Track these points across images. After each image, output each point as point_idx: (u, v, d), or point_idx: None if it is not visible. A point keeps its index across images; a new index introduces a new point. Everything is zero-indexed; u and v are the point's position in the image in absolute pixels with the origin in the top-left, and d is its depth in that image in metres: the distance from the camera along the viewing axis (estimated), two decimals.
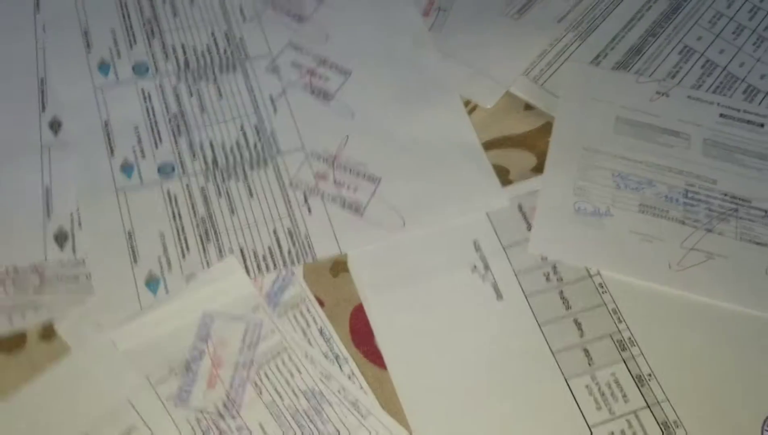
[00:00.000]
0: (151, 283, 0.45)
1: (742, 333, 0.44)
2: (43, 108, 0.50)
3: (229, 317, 0.43)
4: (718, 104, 0.53)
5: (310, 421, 0.41)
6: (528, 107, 0.53)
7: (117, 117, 0.50)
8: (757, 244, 0.47)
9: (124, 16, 0.55)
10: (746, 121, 0.52)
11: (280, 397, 0.42)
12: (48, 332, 0.43)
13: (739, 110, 0.53)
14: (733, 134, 0.52)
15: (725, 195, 0.49)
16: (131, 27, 0.54)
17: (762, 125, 0.52)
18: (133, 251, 0.46)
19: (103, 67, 0.52)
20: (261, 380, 0.42)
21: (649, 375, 0.43)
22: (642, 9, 0.58)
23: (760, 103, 0.53)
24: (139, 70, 0.52)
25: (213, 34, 0.55)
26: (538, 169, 0.51)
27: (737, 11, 0.58)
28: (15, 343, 0.43)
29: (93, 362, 0.42)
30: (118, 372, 0.42)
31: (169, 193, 0.48)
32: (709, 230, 0.47)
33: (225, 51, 0.54)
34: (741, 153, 0.51)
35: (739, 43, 0.57)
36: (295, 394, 0.42)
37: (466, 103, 0.53)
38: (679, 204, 0.48)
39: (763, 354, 0.44)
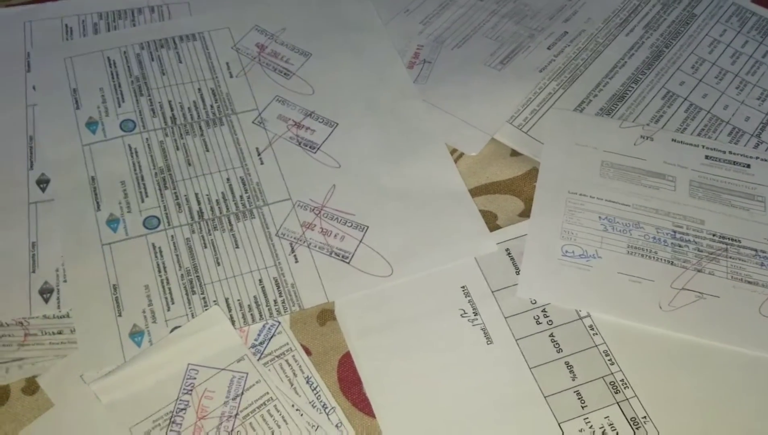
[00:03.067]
0: (136, 335, 0.47)
1: (736, 372, 0.46)
2: (32, 165, 0.53)
3: (214, 368, 0.45)
4: (703, 146, 0.56)
5: None
6: (514, 153, 0.57)
7: (103, 172, 0.54)
8: (749, 283, 0.49)
9: (112, 75, 0.58)
10: (732, 163, 0.55)
11: None
12: (31, 386, 0.45)
13: (724, 152, 0.56)
14: (719, 175, 0.54)
15: (714, 235, 0.51)
16: (119, 86, 0.58)
17: (748, 166, 0.55)
18: (118, 304, 0.48)
19: (91, 125, 0.56)
20: (246, 432, 0.43)
21: (644, 417, 0.44)
22: (624, 57, 0.62)
23: (746, 144, 0.57)
24: (127, 126, 0.56)
25: (200, 90, 0.58)
26: (525, 213, 0.53)
27: (719, 56, 0.62)
28: None
29: (75, 416, 0.44)
30: (101, 426, 0.43)
31: (154, 246, 0.50)
32: (699, 270, 0.50)
33: (212, 106, 0.58)
34: (728, 193, 0.53)
35: (722, 87, 0.60)
36: None
37: (452, 151, 0.56)
38: (668, 245, 0.51)
39: (757, 393, 0.45)
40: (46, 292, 0.48)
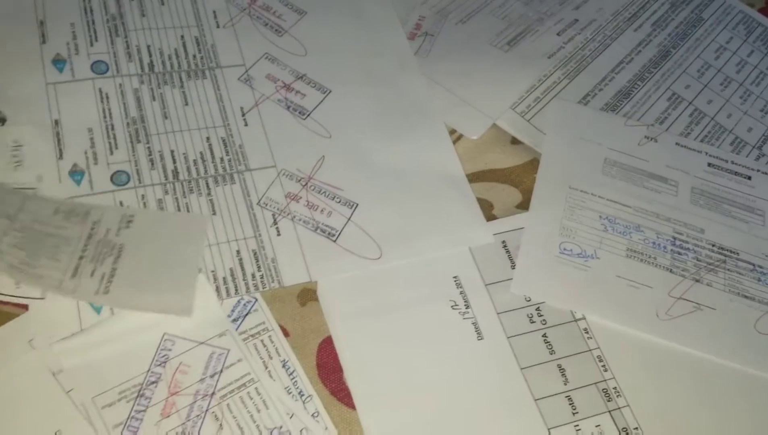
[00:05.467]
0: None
1: (731, 388, 0.45)
2: None
3: (193, 341, 0.42)
4: (706, 153, 0.55)
5: None
6: (514, 141, 0.55)
7: (69, 116, 0.49)
8: (746, 297, 0.49)
9: (85, 11, 0.54)
10: (734, 173, 0.55)
11: (242, 432, 0.40)
12: None
13: (726, 161, 0.55)
14: (720, 184, 0.54)
15: (713, 245, 0.51)
16: (93, 23, 0.53)
17: (749, 178, 0.55)
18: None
19: (58, 63, 0.51)
20: (222, 413, 0.40)
21: (636, 429, 0.43)
22: (631, 53, 0.61)
23: (747, 156, 0.56)
24: (99, 68, 0.51)
25: (182, 37, 0.54)
26: (523, 205, 0.51)
27: (725, 63, 0.62)
28: None
29: (23, 384, 0.40)
30: (52, 396, 0.40)
31: (121, 204, 0.46)
32: (697, 280, 0.49)
33: (194, 57, 0.54)
34: (729, 204, 0.53)
35: (726, 94, 0.60)
36: (260, 432, 0.40)
37: (451, 133, 0.54)
38: (667, 251, 0.50)
39: (750, 411, 0.45)
40: None
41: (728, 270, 0.50)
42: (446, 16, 0.60)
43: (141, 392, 0.40)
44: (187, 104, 0.51)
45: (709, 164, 0.55)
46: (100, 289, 0.42)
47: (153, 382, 0.40)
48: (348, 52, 0.56)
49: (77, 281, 0.42)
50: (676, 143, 0.56)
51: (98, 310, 0.43)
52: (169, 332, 0.42)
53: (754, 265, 0.50)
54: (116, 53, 0.52)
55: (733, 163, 0.55)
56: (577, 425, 0.43)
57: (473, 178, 0.52)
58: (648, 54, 0.61)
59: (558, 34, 0.60)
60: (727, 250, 0.51)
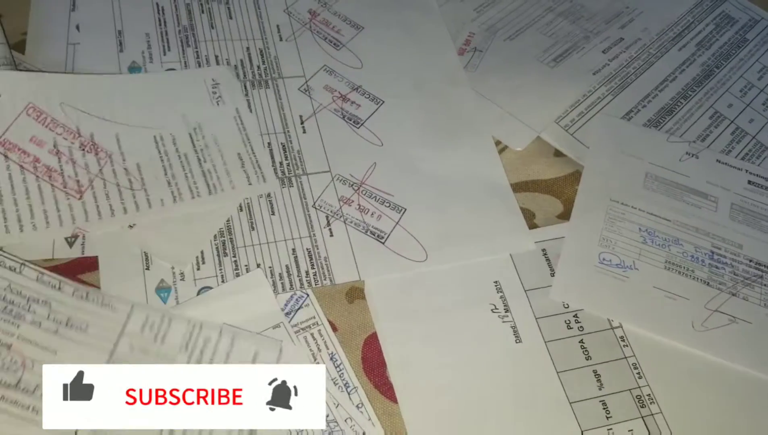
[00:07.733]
0: (162, 290, 0.45)
1: (763, 400, 0.44)
2: None
3: (249, 332, 0.43)
4: (747, 171, 0.54)
5: None
6: (557, 154, 0.55)
7: None
8: None
9: (160, 22, 0.56)
10: None
11: None
12: None
13: (767, 179, 0.54)
14: (760, 202, 0.53)
15: (750, 261, 0.50)
16: (166, 33, 0.55)
17: None
18: (146, 258, 0.45)
19: (134, 70, 0.53)
20: None
21: None
22: (675, 71, 0.60)
23: None
24: None
25: (248, 49, 0.56)
26: (564, 216, 0.51)
27: None
28: None
29: None
30: None
31: None
32: (734, 294, 0.48)
33: (258, 67, 0.55)
34: (767, 221, 0.52)
35: None
36: None
37: (497, 144, 0.54)
38: (705, 265, 0.49)
39: None
40: (70, 237, 0.46)
41: (765, 285, 0.49)
42: (495, 33, 0.60)
43: None
44: (251, 112, 0.53)
45: (750, 182, 0.54)
46: None
47: None
48: (401, 66, 0.57)
49: None
50: (717, 160, 0.55)
51: (164, 300, 0.44)
52: (228, 323, 0.43)
53: None
54: (187, 62, 0.54)
55: None
56: (611, 428, 0.43)
57: (517, 187, 0.52)
58: (691, 73, 0.60)
59: (603, 52, 0.59)
60: (765, 265, 0.50)
